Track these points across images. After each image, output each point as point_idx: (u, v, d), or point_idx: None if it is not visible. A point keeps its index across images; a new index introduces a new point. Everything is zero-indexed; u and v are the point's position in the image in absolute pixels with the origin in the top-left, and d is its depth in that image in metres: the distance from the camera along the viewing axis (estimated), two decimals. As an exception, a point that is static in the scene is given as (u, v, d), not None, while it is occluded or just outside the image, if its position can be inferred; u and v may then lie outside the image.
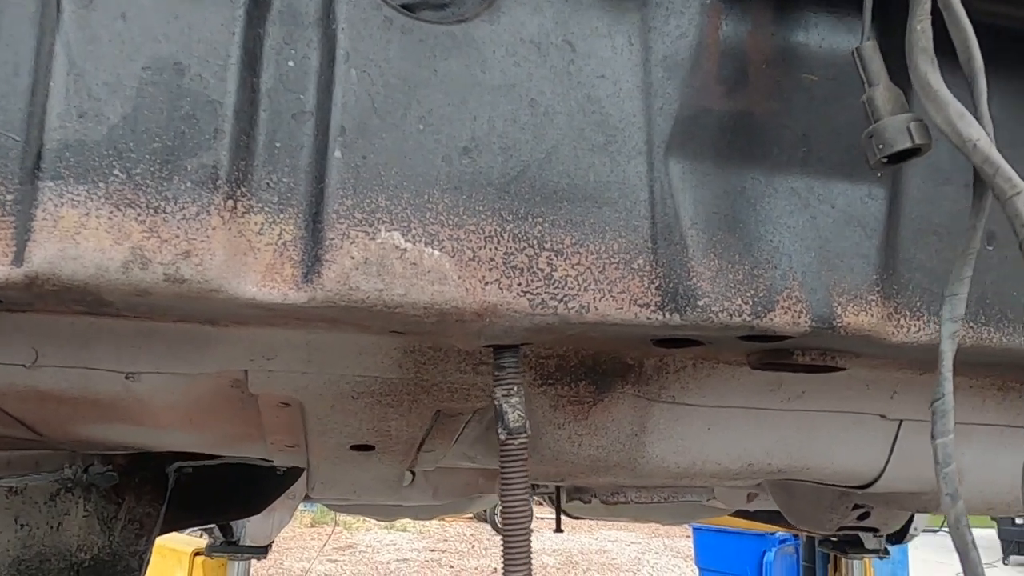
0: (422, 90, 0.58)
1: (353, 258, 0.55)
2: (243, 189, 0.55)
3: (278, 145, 0.56)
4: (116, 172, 0.53)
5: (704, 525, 7.00)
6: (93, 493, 1.46)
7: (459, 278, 0.57)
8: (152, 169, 0.53)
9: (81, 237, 0.52)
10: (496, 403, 0.63)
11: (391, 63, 0.58)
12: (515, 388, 0.63)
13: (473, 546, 12.95)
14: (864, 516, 1.13)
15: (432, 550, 12.62)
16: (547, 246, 0.59)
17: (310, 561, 10.77)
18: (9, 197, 0.52)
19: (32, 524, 1.28)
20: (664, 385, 0.78)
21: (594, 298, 0.59)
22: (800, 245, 0.62)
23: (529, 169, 0.59)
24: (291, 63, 0.57)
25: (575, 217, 0.60)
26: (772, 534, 7.03)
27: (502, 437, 0.62)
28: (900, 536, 3.16)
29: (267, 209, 0.55)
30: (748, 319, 0.60)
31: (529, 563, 0.61)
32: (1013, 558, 10.35)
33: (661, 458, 0.83)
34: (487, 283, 0.58)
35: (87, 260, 0.52)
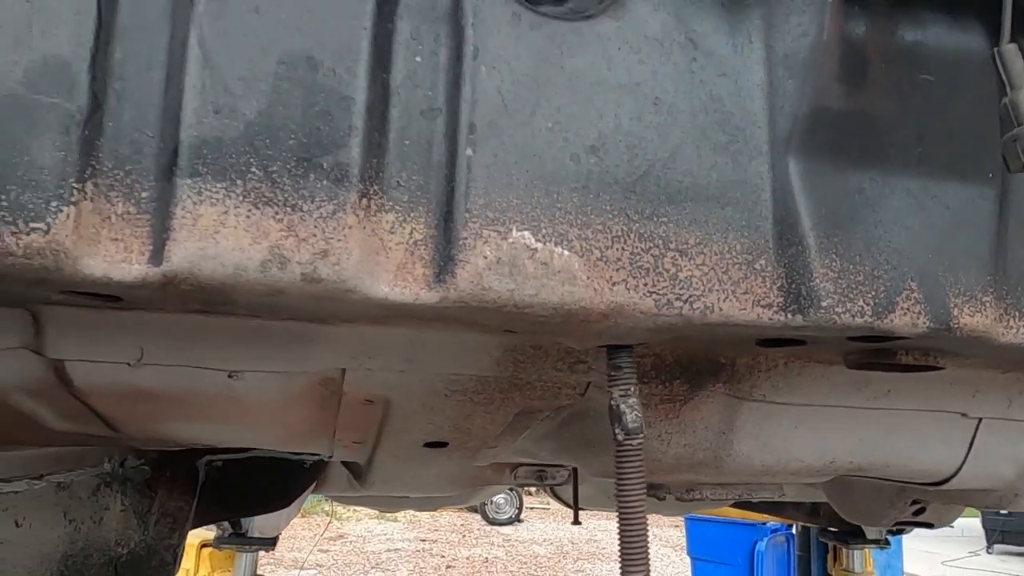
0: (550, 87, 0.57)
1: (486, 258, 0.55)
2: (375, 187, 0.54)
3: (407, 142, 0.55)
4: (253, 169, 0.52)
5: (696, 515, 7.06)
6: (128, 487, 1.45)
7: (587, 278, 0.57)
8: (288, 167, 0.52)
9: (220, 236, 0.51)
10: (613, 403, 0.63)
11: (520, 60, 0.57)
12: (631, 388, 0.63)
13: (464, 536, 13.00)
14: (920, 511, 1.14)
15: (423, 540, 12.65)
16: (672, 246, 0.59)
17: (302, 551, 10.75)
18: (144, 194, 0.51)
19: (78, 519, 1.27)
20: (755, 384, 0.78)
21: (718, 299, 0.59)
22: (917, 246, 0.62)
23: (654, 168, 0.59)
24: (419, 59, 0.56)
25: (699, 217, 0.59)
26: (764, 524, 7.09)
27: (620, 437, 0.62)
28: (900, 528, 3.19)
29: (398, 207, 0.55)
30: (870, 320, 0.60)
31: (647, 562, 0.61)
32: (997, 547, 10.52)
33: (747, 456, 0.83)
34: (614, 283, 0.57)
35: (226, 259, 0.51)
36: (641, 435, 0.62)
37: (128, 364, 0.66)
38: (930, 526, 1.26)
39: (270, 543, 3.42)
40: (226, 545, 3.36)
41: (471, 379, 0.74)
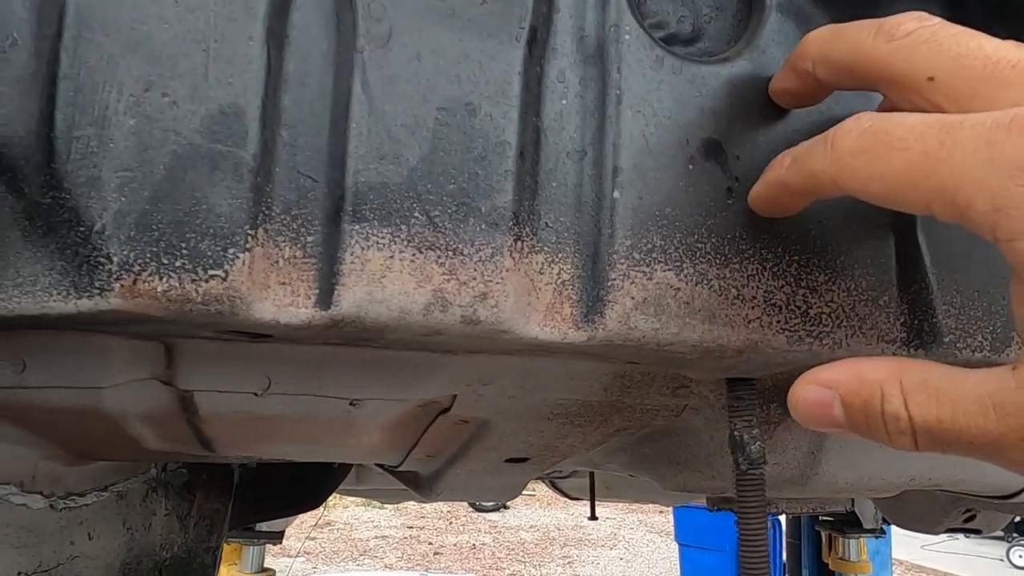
0: (691, 130, 0.59)
1: (633, 298, 0.56)
2: (527, 229, 0.55)
3: (555, 184, 0.56)
4: (416, 215, 0.53)
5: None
6: (170, 491, 1.46)
7: (726, 316, 0.58)
8: (449, 211, 0.53)
9: (387, 280, 0.52)
10: (736, 434, 0.65)
11: (662, 103, 0.58)
12: (754, 420, 0.65)
13: (451, 523, 13.07)
14: (970, 519, 1.18)
15: (410, 527, 12.70)
16: (803, 284, 0.60)
17: (289, 538, 10.74)
18: (310, 239, 0.51)
19: (134, 527, 1.27)
20: (847, 406, 0.80)
21: (846, 335, 0.61)
22: None
23: None
24: (564, 101, 0.57)
25: (827, 255, 0.61)
26: (751, 511, 7.18)
27: (743, 467, 0.64)
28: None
29: (546, 249, 0.56)
30: (988, 355, 0.63)
31: (770, 587, 0.63)
32: (974, 531, 10.76)
33: (832, 474, 0.85)
34: (750, 321, 0.59)
35: (392, 303, 0.52)
36: (764, 465, 0.64)
37: (255, 394, 0.66)
38: (978, 532, 1.30)
39: (277, 536, 3.43)
40: (234, 539, 3.36)
41: (576, 403, 0.76)
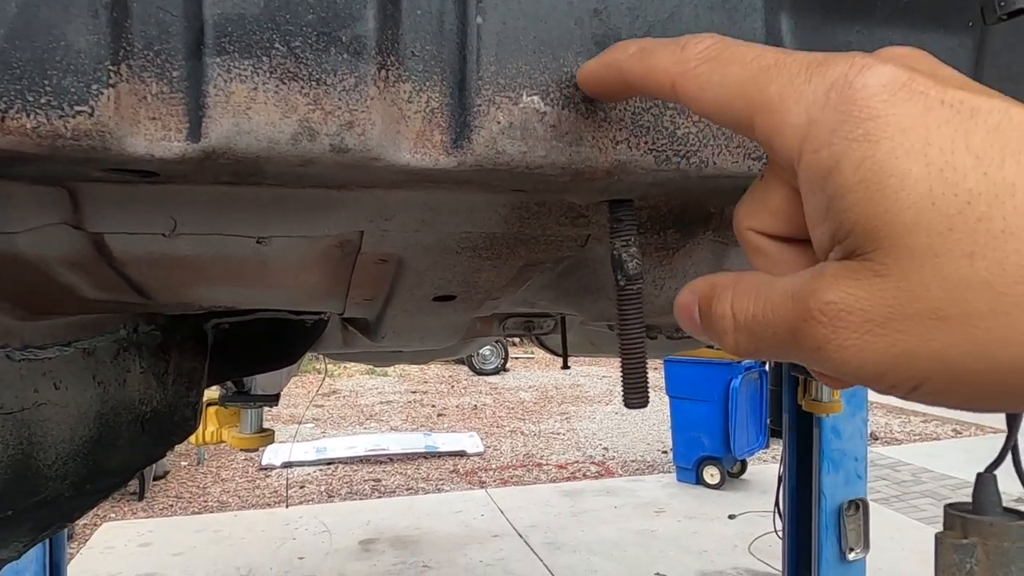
0: None
1: (499, 123, 0.59)
2: (392, 58, 0.57)
3: (419, 12, 0.57)
4: (277, 45, 0.54)
5: (675, 357, 7.42)
6: (144, 351, 1.53)
7: (593, 138, 0.61)
8: (309, 42, 0.55)
9: (252, 112, 0.54)
10: (615, 253, 0.69)
11: None
12: (632, 239, 0.69)
13: (452, 387, 13.57)
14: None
15: (413, 392, 13.19)
16: (670, 105, 0.63)
17: (298, 407, 11.19)
18: (175, 73, 0.53)
19: (105, 381, 1.35)
20: (742, 230, 0.85)
21: (712, 153, 0.64)
22: None
23: (654, 29, 0.62)
24: None
25: None
26: (739, 363, 7.48)
27: (621, 283, 0.69)
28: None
29: (414, 77, 0.58)
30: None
31: (647, 392, 0.69)
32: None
33: (732, 298, 0.90)
34: (618, 142, 0.62)
35: (260, 134, 0.54)
36: (640, 281, 0.69)
37: (163, 235, 0.70)
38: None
39: (273, 399, 3.57)
40: (231, 403, 3.51)
41: (480, 236, 0.80)
